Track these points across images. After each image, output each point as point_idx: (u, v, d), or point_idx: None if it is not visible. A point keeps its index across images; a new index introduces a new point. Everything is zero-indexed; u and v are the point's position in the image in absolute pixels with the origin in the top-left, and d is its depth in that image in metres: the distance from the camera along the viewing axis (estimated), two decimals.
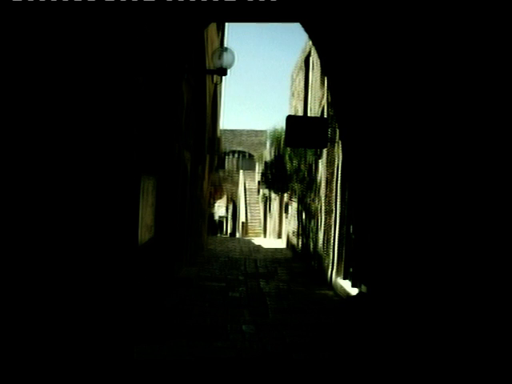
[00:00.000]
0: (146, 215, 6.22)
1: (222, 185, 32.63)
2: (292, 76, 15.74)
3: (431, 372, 3.88)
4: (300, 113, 13.71)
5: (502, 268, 3.27)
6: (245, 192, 30.16)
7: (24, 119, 3.34)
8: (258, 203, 28.73)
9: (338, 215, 9.18)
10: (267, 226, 24.64)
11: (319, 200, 10.80)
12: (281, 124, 14.64)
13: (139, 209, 4.79)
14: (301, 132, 9.08)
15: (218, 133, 17.75)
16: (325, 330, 6.10)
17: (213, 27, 11.36)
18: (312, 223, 11.71)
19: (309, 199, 11.99)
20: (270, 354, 5.09)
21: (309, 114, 12.43)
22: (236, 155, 37.26)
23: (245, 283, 9.17)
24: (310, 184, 11.85)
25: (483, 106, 3.43)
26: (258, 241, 20.37)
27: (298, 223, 13.52)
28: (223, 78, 15.05)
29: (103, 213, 3.58)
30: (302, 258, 12.79)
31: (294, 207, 14.56)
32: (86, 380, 3.56)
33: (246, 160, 36.29)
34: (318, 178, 11.13)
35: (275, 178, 13.90)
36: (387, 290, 4.96)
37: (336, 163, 9.39)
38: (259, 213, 28.05)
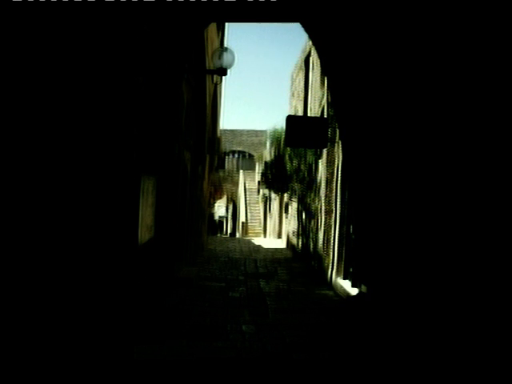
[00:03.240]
0: (146, 215, 6.22)
1: (222, 185, 32.61)
2: (292, 76, 15.74)
3: (431, 371, 3.89)
4: (300, 113, 13.70)
5: (502, 269, 3.27)
6: (245, 192, 30.15)
7: (24, 119, 3.34)
8: (258, 203, 28.72)
9: (337, 215, 9.18)
10: (267, 226, 24.64)
11: (319, 200, 10.80)
12: (281, 124, 14.66)
13: (139, 209, 4.79)
14: (301, 132, 9.09)
15: (218, 133, 17.75)
16: (325, 329, 6.10)
17: (213, 27, 11.36)
18: (312, 223, 11.71)
19: (309, 199, 11.99)
20: (270, 354, 5.09)
21: (309, 114, 12.43)
22: (236, 155, 37.24)
23: (245, 283, 9.17)
24: (310, 184, 11.85)
25: (483, 106, 3.43)
26: (258, 241, 20.37)
27: (298, 223, 13.52)
28: (223, 77, 15.06)
29: (103, 213, 3.58)
30: (301, 258, 12.79)
31: (294, 207, 14.56)
32: (87, 380, 3.56)
33: (246, 160, 36.28)
34: (318, 178, 11.13)
35: (275, 178, 13.90)
36: (387, 289, 4.96)
37: (336, 163, 9.40)
38: (259, 213, 28.05)
